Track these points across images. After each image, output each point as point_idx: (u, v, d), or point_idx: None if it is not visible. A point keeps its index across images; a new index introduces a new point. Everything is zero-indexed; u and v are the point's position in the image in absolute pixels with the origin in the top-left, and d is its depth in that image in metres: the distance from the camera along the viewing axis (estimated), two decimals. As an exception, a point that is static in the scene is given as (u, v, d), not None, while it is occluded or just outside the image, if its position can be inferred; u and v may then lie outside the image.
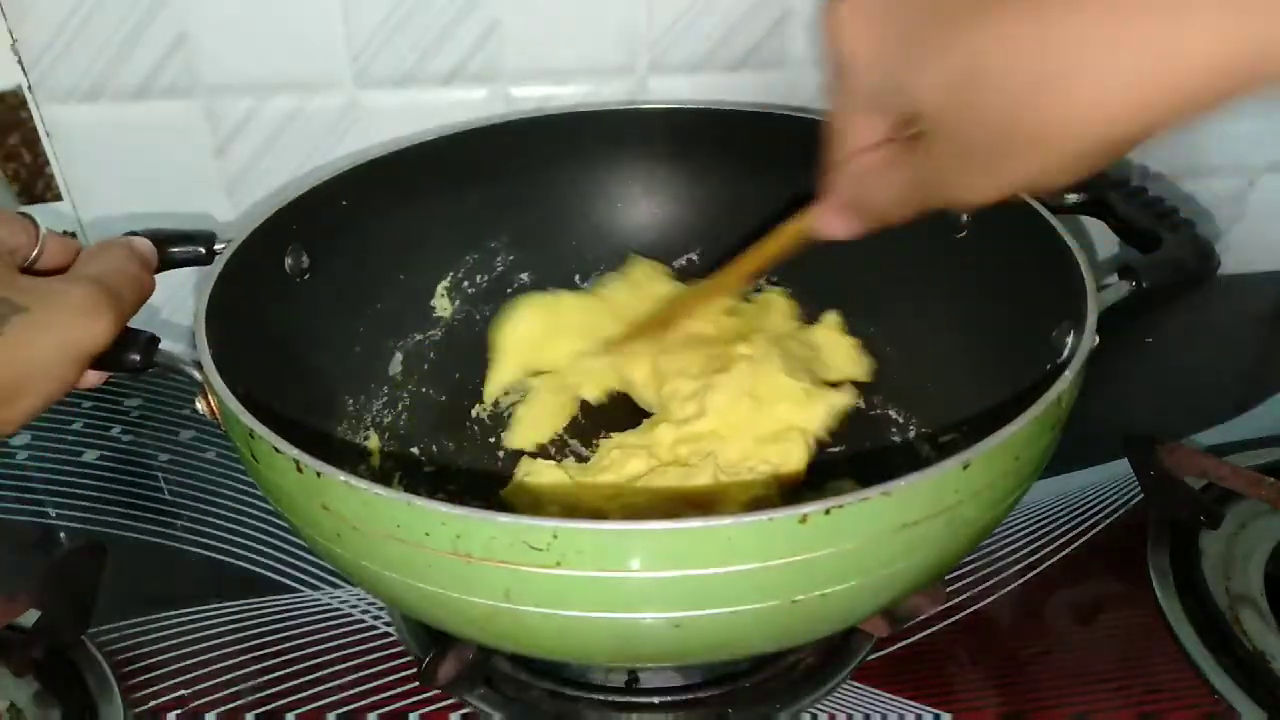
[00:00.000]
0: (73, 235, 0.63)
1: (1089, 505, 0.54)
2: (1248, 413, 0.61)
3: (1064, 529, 0.53)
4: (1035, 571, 0.51)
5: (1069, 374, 0.37)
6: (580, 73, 0.61)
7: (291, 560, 0.53)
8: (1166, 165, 0.68)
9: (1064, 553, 0.52)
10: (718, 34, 0.60)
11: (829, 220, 0.37)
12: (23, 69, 0.57)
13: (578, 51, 0.60)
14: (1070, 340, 0.42)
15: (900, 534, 0.33)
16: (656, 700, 0.45)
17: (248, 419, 0.36)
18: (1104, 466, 0.56)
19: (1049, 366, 0.43)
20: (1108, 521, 0.53)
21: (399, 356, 0.57)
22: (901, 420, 0.56)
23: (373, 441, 0.55)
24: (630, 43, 0.60)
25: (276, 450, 0.34)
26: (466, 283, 0.60)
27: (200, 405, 0.40)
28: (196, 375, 0.39)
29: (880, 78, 0.31)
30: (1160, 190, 0.50)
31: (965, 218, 0.52)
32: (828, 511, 0.30)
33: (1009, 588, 0.50)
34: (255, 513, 0.56)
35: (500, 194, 0.59)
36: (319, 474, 0.33)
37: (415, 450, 0.56)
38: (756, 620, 0.33)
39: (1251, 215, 0.71)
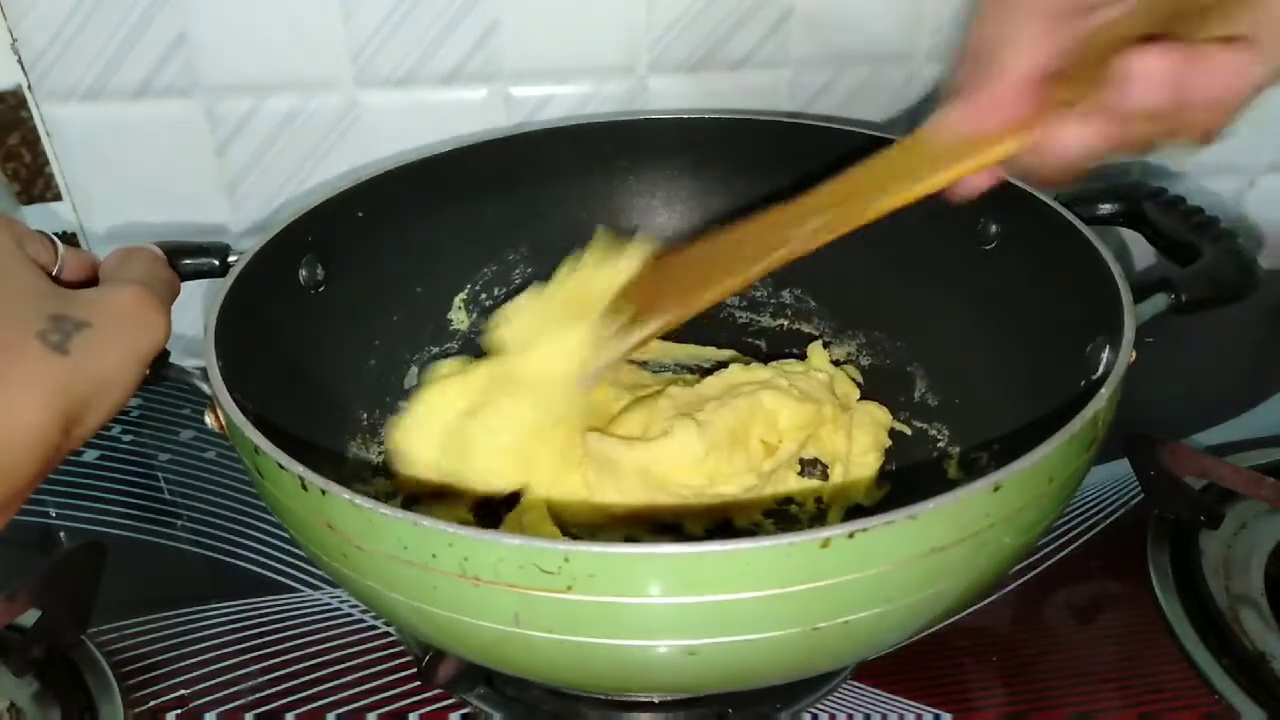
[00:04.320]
0: (73, 235, 0.63)
1: (1089, 505, 0.54)
2: (1248, 413, 0.61)
3: (1064, 529, 0.53)
4: (1035, 571, 0.51)
5: (1105, 392, 0.36)
6: (580, 73, 0.61)
7: (291, 560, 0.53)
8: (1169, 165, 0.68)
9: (1064, 553, 0.52)
10: (718, 34, 0.60)
11: (1070, 134, 0.31)
12: (23, 69, 0.57)
13: (578, 51, 0.60)
14: (1106, 356, 0.40)
15: (928, 559, 0.31)
16: (656, 699, 0.44)
17: (253, 434, 0.35)
18: (1104, 466, 0.56)
19: (1084, 383, 0.41)
20: (1108, 521, 0.53)
21: (415, 370, 0.57)
22: (934, 438, 0.54)
23: (385, 458, 0.54)
24: (630, 43, 0.60)
25: (281, 467, 0.34)
26: (484, 295, 0.59)
27: (209, 419, 0.40)
28: (205, 389, 0.39)
29: None
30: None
31: (995, 229, 0.51)
32: (851, 535, 0.29)
33: (1009, 588, 0.50)
34: (255, 513, 0.55)
35: (519, 205, 0.58)
36: (324, 491, 0.32)
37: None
38: (775, 648, 0.32)
39: (1251, 215, 0.71)
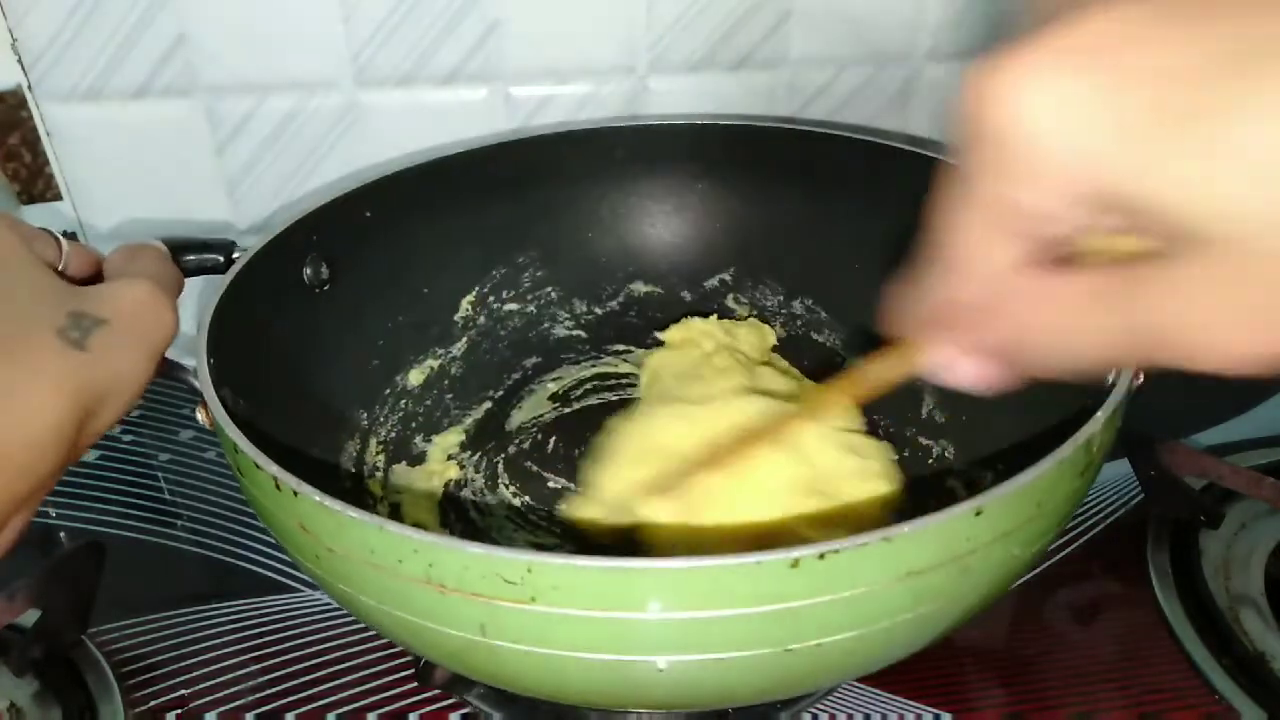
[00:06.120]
0: (73, 235, 0.63)
1: (1089, 505, 0.54)
2: (1248, 413, 0.61)
3: (1064, 529, 0.53)
4: (1035, 571, 0.51)
5: (1100, 415, 0.34)
6: (580, 73, 0.61)
7: (291, 560, 0.52)
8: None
9: (1064, 553, 0.52)
10: (718, 34, 0.60)
11: (960, 368, 0.28)
12: (23, 69, 0.57)
13: (578, 51, 0.60)
14: (1113, 374, 0.38)
15: (905, 583, 0.30)
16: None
17: (233, 432, 0.35)
18: (1104, 466, 0.56)
19: (1091, 402, 0.39)
20: (1108, 521, 0.53)
21: (418, 371, 0.57)
22: (940, 455, 0.53)
23: (382, 458, 0.54)
24: (630, 43, 0.60)
25: (257, 466, 0.34)
26: (493, 297, 0.59)
27: (200, 416, 0.40)
28: (196, 384, 0.39)
29: (1097, 166, 0.21)
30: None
31: None
32: (822, 556, 0.28)
33: (1009, 587, 0.50)
34: (255, 512, 0.55)
35: (529, 208, 0.58)
36: (295, 492, 0.32)
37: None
38: (748, 668, 0.31)
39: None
